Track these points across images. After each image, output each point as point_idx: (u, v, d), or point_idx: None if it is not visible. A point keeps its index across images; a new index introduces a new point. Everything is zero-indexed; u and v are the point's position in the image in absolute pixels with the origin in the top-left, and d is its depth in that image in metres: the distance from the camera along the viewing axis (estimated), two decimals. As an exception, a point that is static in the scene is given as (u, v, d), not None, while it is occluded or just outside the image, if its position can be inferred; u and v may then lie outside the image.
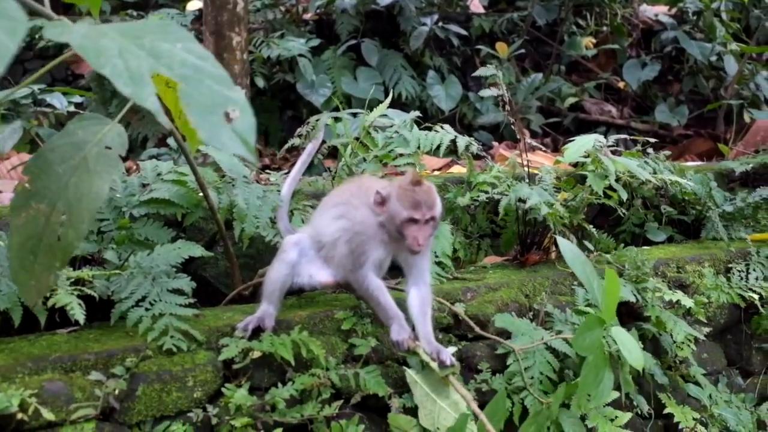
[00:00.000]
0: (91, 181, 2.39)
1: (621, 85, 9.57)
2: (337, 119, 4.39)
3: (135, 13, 8.95)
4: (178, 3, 9.75)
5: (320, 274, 3.21)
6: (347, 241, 3.08)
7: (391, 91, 8.29)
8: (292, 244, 3.24)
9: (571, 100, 9.20)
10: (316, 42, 8.69)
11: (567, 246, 3.19)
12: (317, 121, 4.27)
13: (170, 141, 6.67)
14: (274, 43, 8.41)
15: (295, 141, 4.26)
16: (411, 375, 3.14)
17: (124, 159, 2.60)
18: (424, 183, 3.01)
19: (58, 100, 6.26)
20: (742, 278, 4.58)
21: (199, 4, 8.55)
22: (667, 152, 5.22)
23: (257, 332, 3.02)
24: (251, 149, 1.74)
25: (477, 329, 3.49)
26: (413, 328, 3.10)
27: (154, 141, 7.42)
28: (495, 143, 7.47)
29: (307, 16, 9.77)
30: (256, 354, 2.90)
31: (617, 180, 4.18)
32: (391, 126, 4.39)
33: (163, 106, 3.13)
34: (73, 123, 2.55)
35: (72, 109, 6.29)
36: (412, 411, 3.12)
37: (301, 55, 8.25)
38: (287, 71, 8.44)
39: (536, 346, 3.46)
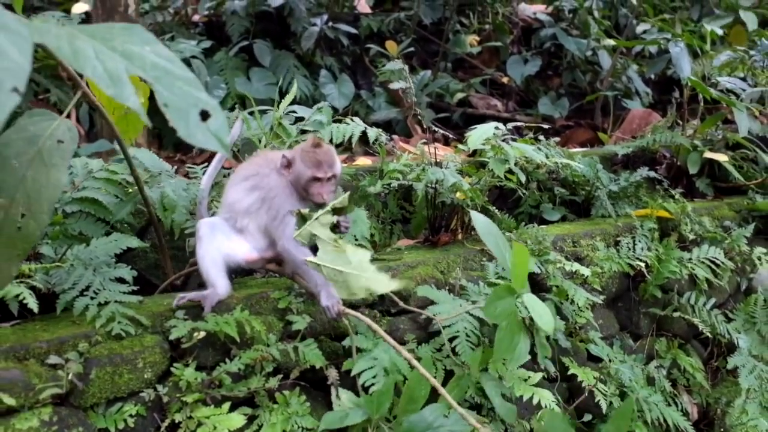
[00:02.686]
0: (48, 173, 2.50)
1: (505, 80, 10.02)
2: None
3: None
4: (56, 6, 9.42)
5: (242, 250, 3.38)
6: (268, 209, 3.30)
7: (285, 90, 8.42)
8: (203, 224, 3.34)
9: (459, 95, 9.55)
10: (207, 44, 8.73)
11: (480, 219, 3.48)
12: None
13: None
14: (164, 45, 8.37)
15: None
16: (312, 261, 3.20)
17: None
18: (323, 145, 3.33)
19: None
20: (629, 249, 5.02)
21: (86, 7, 8.32)
22: (557, 138, 5.66)
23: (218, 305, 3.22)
24: (225, 146, 1.96)
25: (401, 303, 3.74)
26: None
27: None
28: (394, 137, 7.74)
29: (197, 18, 9.77)
30: (202, 334, 3.04)
31: (515, 164, 4.53)
32: (303, 119, 4.62)
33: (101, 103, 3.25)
34: (23, 119, 2.63)
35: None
36: (352, 380, 3.34)
37: (193, 57, 8.27)
38: (179, 74, 8.42)
39: (457, 316, 3.72)
